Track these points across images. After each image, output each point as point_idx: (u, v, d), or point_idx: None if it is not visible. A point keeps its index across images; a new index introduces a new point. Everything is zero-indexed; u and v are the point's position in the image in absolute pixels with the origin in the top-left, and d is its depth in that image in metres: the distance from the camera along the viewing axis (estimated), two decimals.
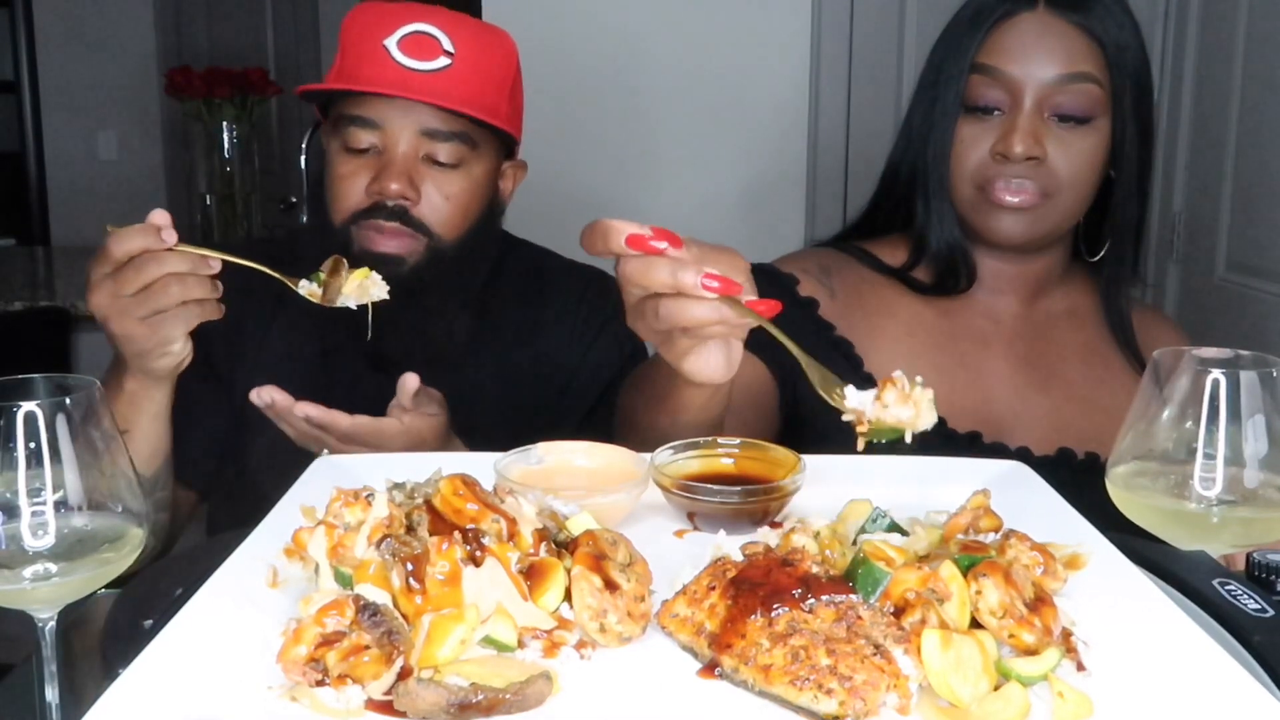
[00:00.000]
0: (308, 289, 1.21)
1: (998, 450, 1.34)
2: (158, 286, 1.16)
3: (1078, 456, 1.36)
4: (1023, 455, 1.32)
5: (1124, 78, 1.35)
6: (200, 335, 1.23)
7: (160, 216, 1.17)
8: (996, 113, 1.35)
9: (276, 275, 1.21)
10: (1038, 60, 1.33)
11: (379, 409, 1.27)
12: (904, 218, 1.45)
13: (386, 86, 1.37)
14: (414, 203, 1.40)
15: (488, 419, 1.45)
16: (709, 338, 0.98)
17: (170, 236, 1.16)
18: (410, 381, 1.26)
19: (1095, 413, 1.40)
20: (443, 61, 1.39)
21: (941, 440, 1.30)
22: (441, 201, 1.42)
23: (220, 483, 1.53)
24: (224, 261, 1.18)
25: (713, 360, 1.00)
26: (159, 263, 1.16)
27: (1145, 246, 1.48)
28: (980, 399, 1.39)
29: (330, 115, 1.46)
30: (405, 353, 1.40)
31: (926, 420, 0.86)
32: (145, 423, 1.29)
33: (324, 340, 1.48)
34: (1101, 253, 1.43)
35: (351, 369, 1.46)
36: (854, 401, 0.87)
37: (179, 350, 1.23)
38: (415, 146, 1.40)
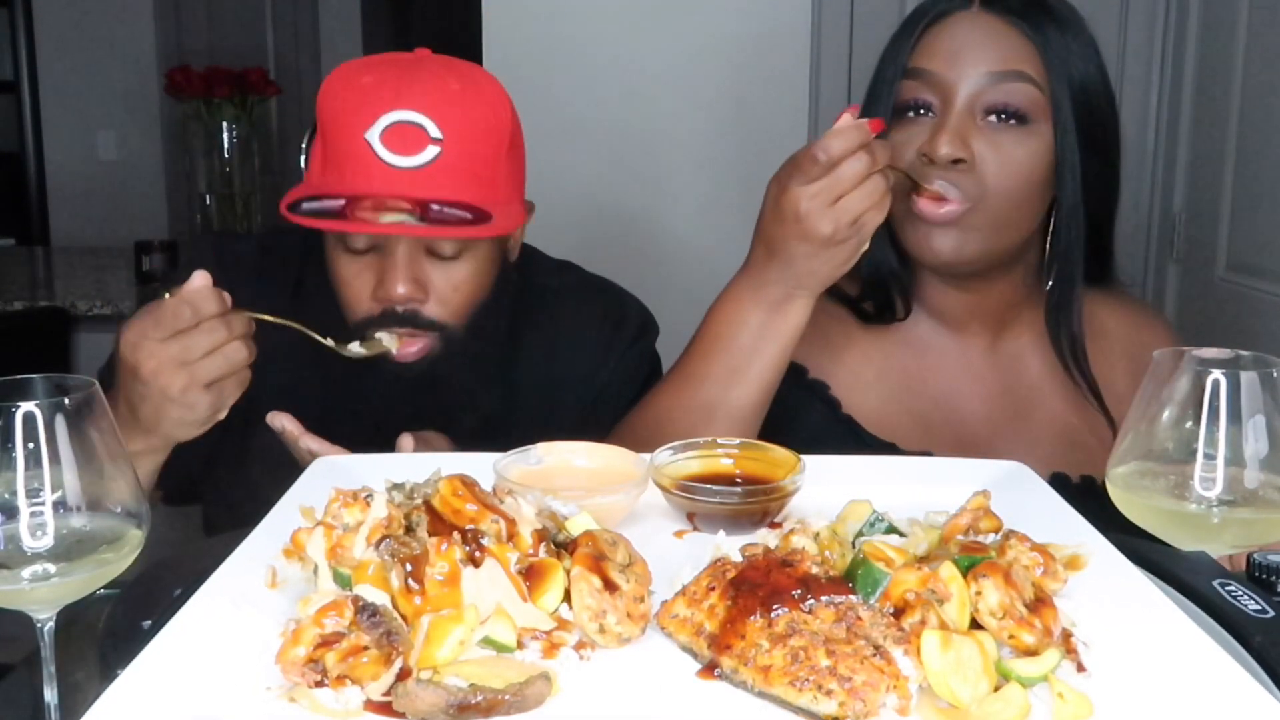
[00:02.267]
0: (355, 353, 1.30)
1: None
2: (229, 350, 1.13)
3: (1073, 480, 1.33)
4: None
5: (1064, 82, 1.28)
6: None
7: (205, 278, 1.14)
8: (929, 115, 1.29)
9: (320, 338, 1.26)
10: (969, 58, 1.27)
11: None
12: None
13: (373, 191, 1.27)
14: (422, 302, 1.32)
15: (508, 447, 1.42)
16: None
17: (229, 299, 1.14)
18: (404, 444, 1.23)
19: (1083, 436, 1.36)
20: (432, 152, 1.27)
21: None
22: (450, 293, 1.33)
23: (216, 485, 1.52)
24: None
25: None
26: (229, 326, 1.13)
27: (1113, 264, 1.41)
28: (958, 438, 1.36)
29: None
30: (429, 425, 1.33)
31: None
32: (142, 476, 1.26)
33: (347, 390, 1.41)
34: (1051, 279, 1.35)
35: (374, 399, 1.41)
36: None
37: (224, 414, 1.19)
38: (416, 242, 1.30)
